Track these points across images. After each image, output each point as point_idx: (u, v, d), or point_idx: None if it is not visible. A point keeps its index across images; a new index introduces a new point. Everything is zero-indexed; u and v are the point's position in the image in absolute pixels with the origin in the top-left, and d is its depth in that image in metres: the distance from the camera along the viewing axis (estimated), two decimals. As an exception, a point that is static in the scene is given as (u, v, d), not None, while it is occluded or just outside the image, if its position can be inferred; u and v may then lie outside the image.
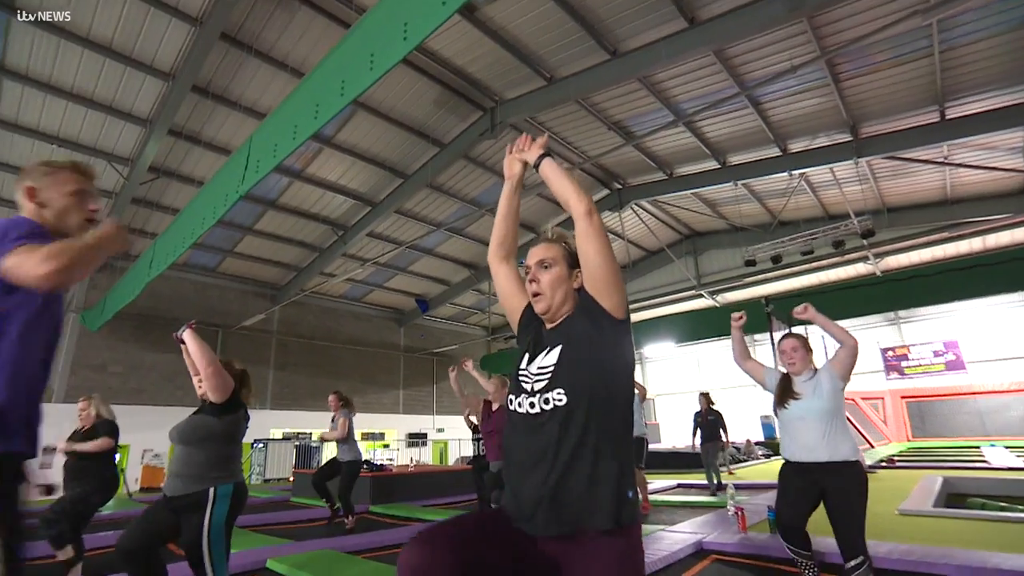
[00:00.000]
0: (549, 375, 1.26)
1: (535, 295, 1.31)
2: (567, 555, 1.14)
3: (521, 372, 1.34)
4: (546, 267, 1.31)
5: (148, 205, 11.18)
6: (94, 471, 3.59)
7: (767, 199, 13.74)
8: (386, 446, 17.38)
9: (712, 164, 11.92)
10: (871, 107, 9.52)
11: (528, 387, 1.29)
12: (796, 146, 10.93)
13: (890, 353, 16.66)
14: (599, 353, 1.25)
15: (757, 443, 14.43)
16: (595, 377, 1.24)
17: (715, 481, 7.44)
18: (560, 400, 1.22)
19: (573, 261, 1.33)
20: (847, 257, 14.16)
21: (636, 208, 14.73)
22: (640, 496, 5.67)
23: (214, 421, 2.38)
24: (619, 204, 13.57)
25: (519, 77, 9.18)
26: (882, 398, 15.52)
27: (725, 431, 7.42)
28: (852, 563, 2.45)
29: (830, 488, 2.54)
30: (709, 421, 7.40)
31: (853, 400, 13.02)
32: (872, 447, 11.33)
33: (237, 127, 9.55)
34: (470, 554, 1.06)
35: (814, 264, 14.38)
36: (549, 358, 1.28)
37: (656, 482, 8.22)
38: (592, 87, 8.70)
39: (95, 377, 12.23)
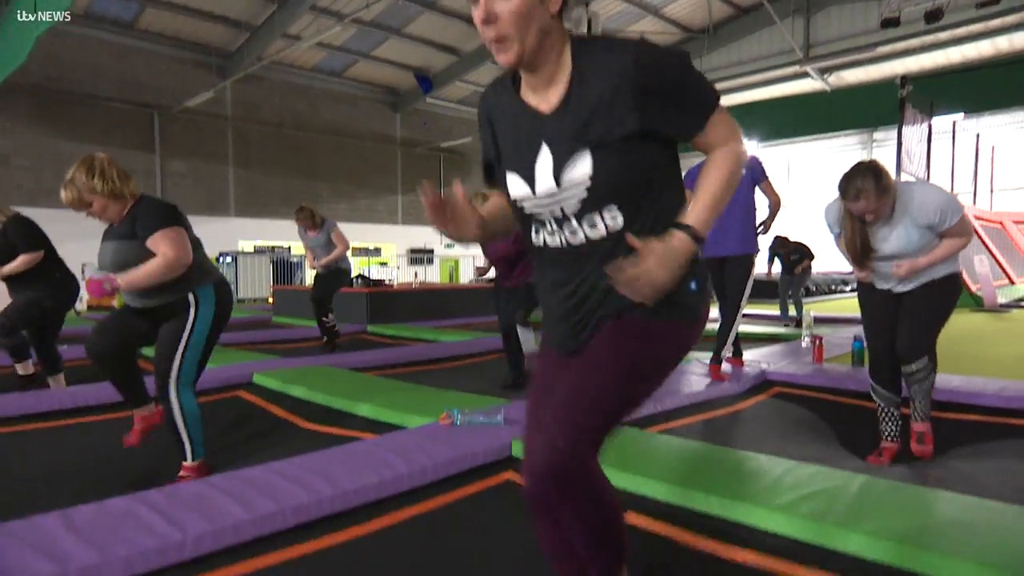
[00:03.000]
0: (586, 193, 1.16)
1: (496, 41, 1.11)
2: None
3: (527, 203, 1.24)
4: None
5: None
6: (34, 278, 3.82)
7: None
8: (383, 264, 18.27)
9: None
10: None
11: (551, 214, 1.21)
12: None
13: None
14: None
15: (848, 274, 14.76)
16: (658, 167, 1.18)
17: (791, 313, 7.87)
18: (614, 222, 1.17)
19: None
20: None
21: (730, -63, 12.95)
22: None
23: (143, 245, 2.45)
24: (705, -70, 11.91)
25: None
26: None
27: (811, 258, 7.77)
28: (915, 365, 2.66)
29: (913, 295, 2.70)
30: (792, 261, 7.76)
31: (1001, 224, 12.68)
32: (1012, 283, 11.34)
33: None
34: None
35: (996, 23, 12.71)
36: (576, 170, 1.15)
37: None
38: None
39: (-7, 173, 12.30)
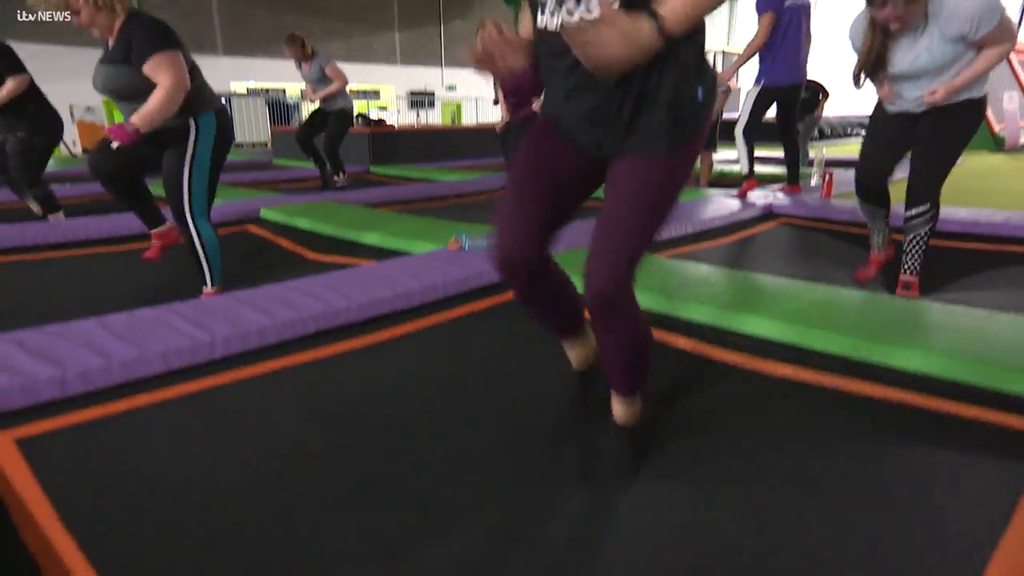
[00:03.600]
0: None
1: None
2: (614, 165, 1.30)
3: None
4: None
5: None
6: (16, 114, 3.72)
7: None
8: (382, 108, 17.70)
9: None
10: None
11: None
12: None
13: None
14: None
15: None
16: None
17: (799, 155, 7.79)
18: (610, 6, 1.14)
19: None
20: None
21: None
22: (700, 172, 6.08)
23: (138, 71, 2.38)
24: None
25: None
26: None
27: (826, 96, 7.44)
28: (916, 210, 2.65)
29: (926, 124, 2.59)
30: (805, 99, 7.42)
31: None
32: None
33: None
34: (546, 216, 1.32)
35: None
36: None
37: (725, 153, 8.46)
38: None
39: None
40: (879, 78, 2.61)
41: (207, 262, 2.67)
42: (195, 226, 2.60)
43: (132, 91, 2.43)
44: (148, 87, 2.40)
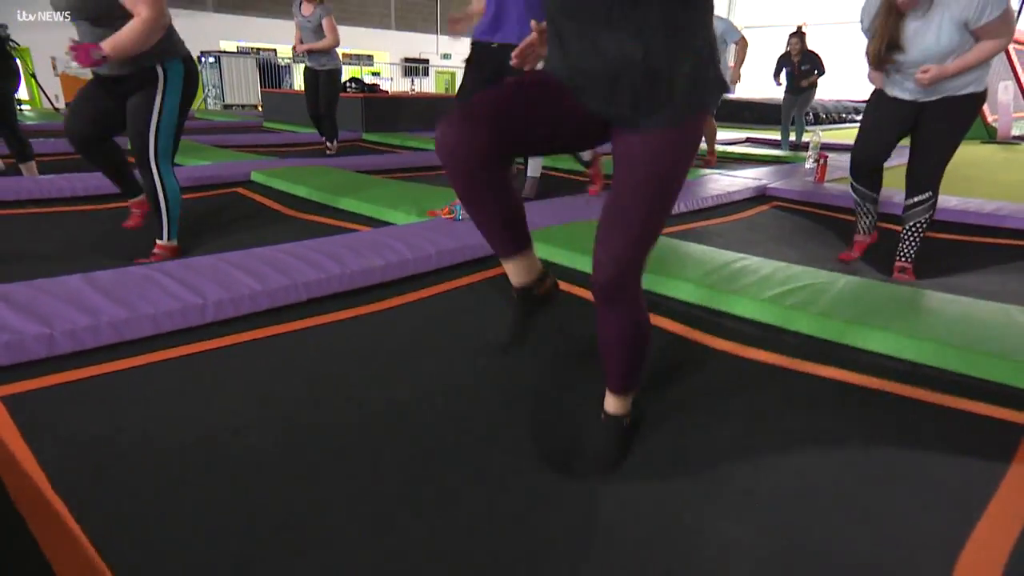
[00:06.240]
0: None
1: None
2: (619, 132, 1.24)
3: None
4: None
5: None
6: None
7: None
8: (375, 73, 17.40)
9: None
10: None
11: None
12: None
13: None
14: None
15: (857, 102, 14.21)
16: None
17: (792, 138, 7.71)
18: None
19: None
20: None
21: None
22: (708, 148, 6.01)
23: None
24: None
25: None
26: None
27: (820, 73, 7.31)
28: (917, 198, 2.71)
29: (928, 115, 2.63)
30: (802, 71, 7.24)
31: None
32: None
33: None
34: (511, 126, 1.18)
35: None
36: None
37: (722, 134, 8.44)
38: None
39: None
40: (886, 61, 2.61)
41: (167, 214, 2.61)
42: (159, 176, 2.54)
43: (102, 11, 2.26)
44: (120, 13, 2.26)
